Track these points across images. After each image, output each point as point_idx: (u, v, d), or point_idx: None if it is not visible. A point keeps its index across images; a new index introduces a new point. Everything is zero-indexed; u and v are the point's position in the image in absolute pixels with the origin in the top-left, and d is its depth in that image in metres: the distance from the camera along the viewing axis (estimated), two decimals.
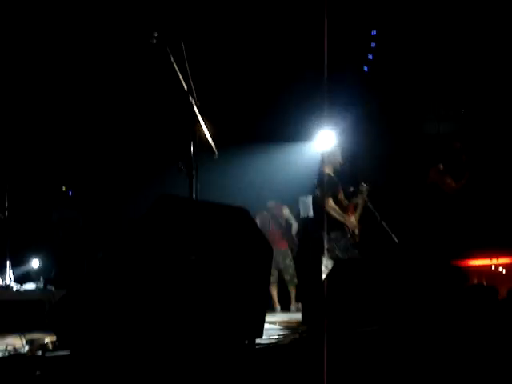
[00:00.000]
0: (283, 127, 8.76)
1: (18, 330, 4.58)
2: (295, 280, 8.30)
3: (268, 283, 7.34)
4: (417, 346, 4.15)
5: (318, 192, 6.93)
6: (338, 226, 6.75)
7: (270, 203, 8.62)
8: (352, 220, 6.83)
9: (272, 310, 8.02)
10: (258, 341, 4.03)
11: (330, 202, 6.66)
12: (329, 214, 6.70)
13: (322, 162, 6.96)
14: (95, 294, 3.61)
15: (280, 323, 6.00)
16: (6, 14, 6.70)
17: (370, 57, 9.21)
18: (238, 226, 4.25)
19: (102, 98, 7.32)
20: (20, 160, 7.64)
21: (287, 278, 8.31)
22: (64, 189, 8.35)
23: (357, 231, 6.90)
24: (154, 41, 4.29)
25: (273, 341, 4.30)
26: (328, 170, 6.87)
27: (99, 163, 8.31)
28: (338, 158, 6.97)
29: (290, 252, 8.48)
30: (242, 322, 3.93)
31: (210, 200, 4.44)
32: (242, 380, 2.75)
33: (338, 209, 6.71)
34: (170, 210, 3.80)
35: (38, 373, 2.95)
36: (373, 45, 9.13)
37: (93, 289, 3.63)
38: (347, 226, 6.80)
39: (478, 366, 3.78)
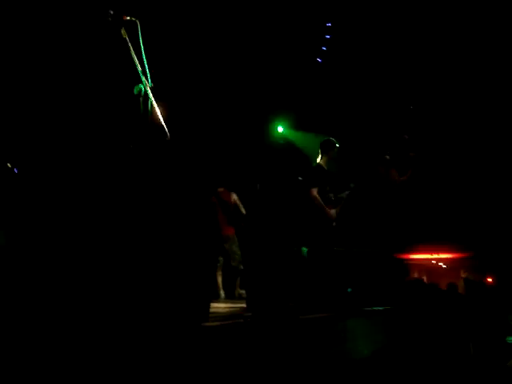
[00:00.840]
0: (236, 115, 8.75)
1: None
2: (241, 266, 8.32)
3: (214, 269, 7.36)
4: (356, 334, 4.24)
5: (304, 179, 6.91)
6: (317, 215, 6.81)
7: (219, 189, 8.62)
8: (332, 212, 6.82)
9: (216, 296, 8.02)
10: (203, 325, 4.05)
11: (314, 192, 6.69)
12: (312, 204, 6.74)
13: (320, 151, 6.93)
14: None
15: (224, 309, 6.02)
16: None
17: (324, 48, 9.27)
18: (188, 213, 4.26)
19: (53, 74, 7.15)
20: None
21: (233, 264, 8.32)
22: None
23: (334, 224, 6.90)
24: (110, 19, 4.23)
25: (217, 324, 4.32)
26: (322, 162, 6.88)
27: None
28: (334, 153, 6.94)
29: (236, 238, 8.50)
30: (189, 307, 3.94)
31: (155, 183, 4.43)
32: (190, 360, 2.78)
33: (319, 199, 6.72)
34: None
35: None
36: (327, 36, 9.20)
37: None
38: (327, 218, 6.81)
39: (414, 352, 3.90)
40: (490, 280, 8.64)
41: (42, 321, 3.36)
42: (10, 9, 6.74)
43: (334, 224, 6.78)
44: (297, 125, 9.73)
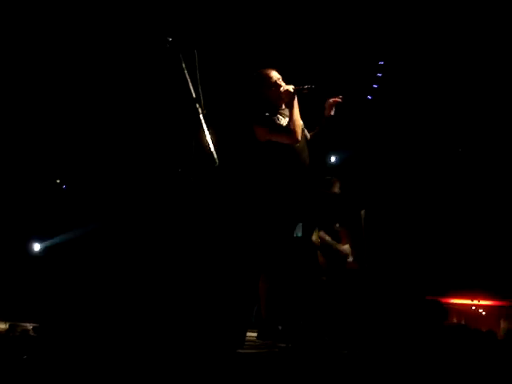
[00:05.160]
0: None
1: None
2: None
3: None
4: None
5: None
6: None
7: None
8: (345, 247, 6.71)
9: None
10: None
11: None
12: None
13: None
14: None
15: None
16: None
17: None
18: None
19: (107, 96, 7.36)
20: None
21: None
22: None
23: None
24: (168, 45, 4.37)
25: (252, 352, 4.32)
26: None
27: (94, 161, 8.29)
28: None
29: None
30: (226, 332, 3.97)
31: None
32: None
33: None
34: None
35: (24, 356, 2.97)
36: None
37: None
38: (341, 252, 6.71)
39: None
40: None
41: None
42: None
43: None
44: None
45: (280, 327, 5.09)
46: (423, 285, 8.14)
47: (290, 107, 4.82)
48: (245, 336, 4.46)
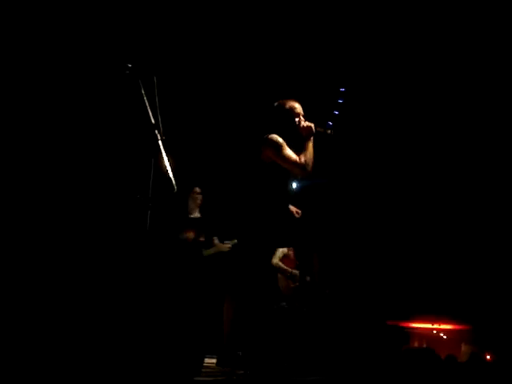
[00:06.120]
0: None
1: None
2: None
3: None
4: None
5: None
6: None
7: None
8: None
9: None
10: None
11: None
12: None
13: None
14: None
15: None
16: None
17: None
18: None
19: (66, 122, 7.31)
20: None
21: None
22: None
23: None
24: (128, 72, 4.37)
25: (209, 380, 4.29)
26: None
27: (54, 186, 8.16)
28: None
29: None
30: (182, 360, 3.94)
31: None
32: None
33: None
34: None
35: None
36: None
37: None
38: None
39: None
40: (488, 357, 8.49)
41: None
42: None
43: None
44: None
45: (240, 353, 5.07)
46: (384, 309, 8.21)
47: (308, 143, 4.88)
48: (202, 363, 4.43)
